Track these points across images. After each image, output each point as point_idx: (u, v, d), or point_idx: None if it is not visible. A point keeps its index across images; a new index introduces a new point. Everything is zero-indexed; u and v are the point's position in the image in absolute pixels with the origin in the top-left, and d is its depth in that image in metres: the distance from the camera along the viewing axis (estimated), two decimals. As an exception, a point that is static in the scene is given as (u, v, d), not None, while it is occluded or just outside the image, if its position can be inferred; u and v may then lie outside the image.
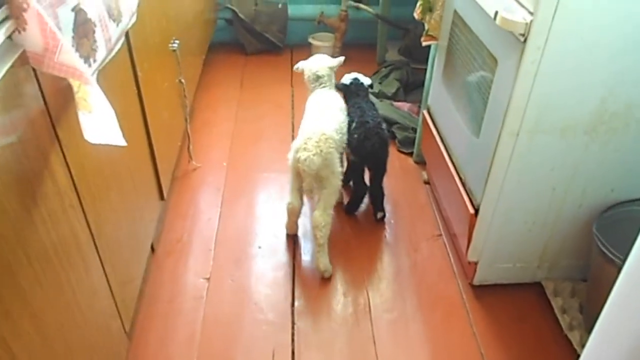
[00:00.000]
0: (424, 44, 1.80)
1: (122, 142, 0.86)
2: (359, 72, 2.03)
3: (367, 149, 1.68)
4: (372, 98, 2.14)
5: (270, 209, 1.94)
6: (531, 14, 1.13)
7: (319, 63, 1.87)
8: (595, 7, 1.10)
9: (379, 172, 1.78)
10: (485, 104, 1.38)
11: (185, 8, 2.08)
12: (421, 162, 2.16)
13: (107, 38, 1.02)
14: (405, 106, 2.40)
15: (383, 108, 2.32)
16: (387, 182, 2.04)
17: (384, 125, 1.74)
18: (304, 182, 1.64)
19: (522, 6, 1.16)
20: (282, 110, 2.53)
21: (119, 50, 1.15)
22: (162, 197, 1.62)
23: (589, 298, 1.46)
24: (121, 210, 1.21)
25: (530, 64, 1.16)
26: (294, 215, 1.75)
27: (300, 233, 1.83)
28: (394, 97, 2.49)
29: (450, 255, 1.76)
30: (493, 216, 1.44)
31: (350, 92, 1.86)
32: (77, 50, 0.90)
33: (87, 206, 0.97)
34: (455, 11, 1.58)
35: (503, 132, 1.28)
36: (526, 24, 1.12)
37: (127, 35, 1.27)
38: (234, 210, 1.93)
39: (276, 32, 2.97)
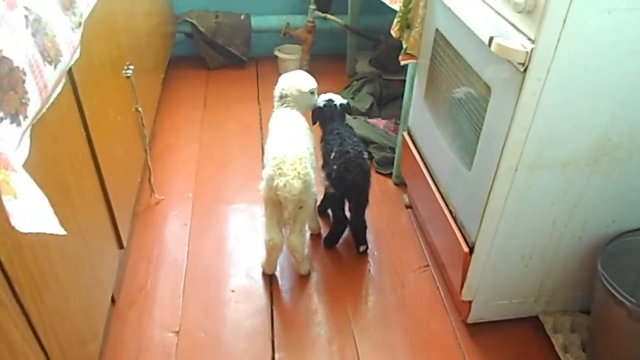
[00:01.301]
0: (402, 63, 1.67)
1: (59, 230, 0.70)
2: (330, 88, 1.89)
3: (348, 182, 1.54)
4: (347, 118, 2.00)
5: (242, 244, 1.78)
6: (531, 40, 1.01)
7: (290, 82, 1.70)
8: (599, 31, 0.99)
9: (360, 205, 1.65)
10: (477, 134, 1.26)
11: (138, 26, 1.89)
12: (401, 184, 2.04)
13: (42, 85, 0.85)
14: (380, 123, 2.27)
15: (358, 126, 2.19)
16: (368, 208, 1.92)
17: (365, 155, 1.60)
18: (286, 211, 1.49)
19: (520, 31, 1.04)
20: (249, 130, 2.36)
21: (60, 93, 0.98)
22: (121, 246, 1.44)
23: (593, 336, 1.37)
24: (71, 284, 1.04)
25: (530, 96, 1.05)
26: (275, 252, 1.60)
27: (277, 271, 1.68)
28: (368, 113, 2.37)
29: (440, 288, 1.64)
30: (489, 254, 1.32)
31: (325, 117, 1.71)
32: (0, 109, 0.72)
33: (26, 297, 0.79)
34: (437, 30, 1.45)
35: (500, 167, 1.16)
36: (527, 52, 1.00)
37: (70, 72, 1.10)
38: (203, 248, 1.76)
39: (239, 45, 2.80)
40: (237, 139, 2.31)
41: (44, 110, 0.88)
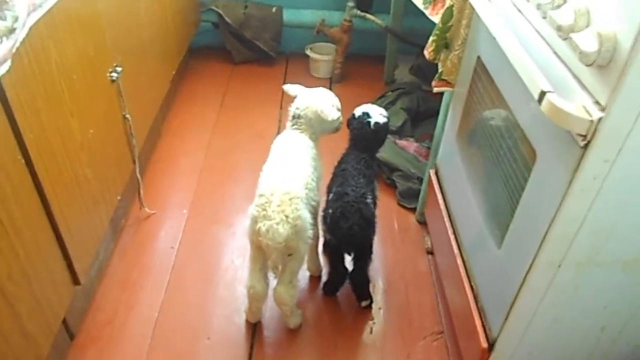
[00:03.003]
0: (435, 90, 1.38)
1: None
2: (363, 95, 1.58)
3: (344, 230, 1.26)
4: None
5: (230, 280, 1.55)
6: (599, 106, 0.71)
7: (307, 101, 1.39)
8: None
9: (361, 258, 1.37)
10: (512, 206, 0.96)
11: (138, 19, 1.66)
12: (425, 223, 1.75)
13: None
14: (411, 147, 1.98)
15: (384, 149, 1.90)
16: (382, 248, 1.66)
17: (369, 198, 1.31)
18: (270, 258, 1.25)
19: (586, 90, 0.74)
20: (264, 140, 2.08)
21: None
22: (77, 282, 1.24)
23: None
24: None
25: (590, 180, 0.75)
26: (256, 301, 1.37)
27: (264, 318, 1.45)
28: (400, 132, 2.07)
29: (452, 367, 1.37)
30: (513, 355, 1.04)
31: (352, 133, 1.45)
32: None
33: None
34: (479, 58, 1.15)
35: (538, 260, 0.87)
36: (591, 121, 0.71)
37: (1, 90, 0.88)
38: (186, 281, 1.55)
39: (268, 40, 2.55)
40: (249, 150, 2.07)
41: None
